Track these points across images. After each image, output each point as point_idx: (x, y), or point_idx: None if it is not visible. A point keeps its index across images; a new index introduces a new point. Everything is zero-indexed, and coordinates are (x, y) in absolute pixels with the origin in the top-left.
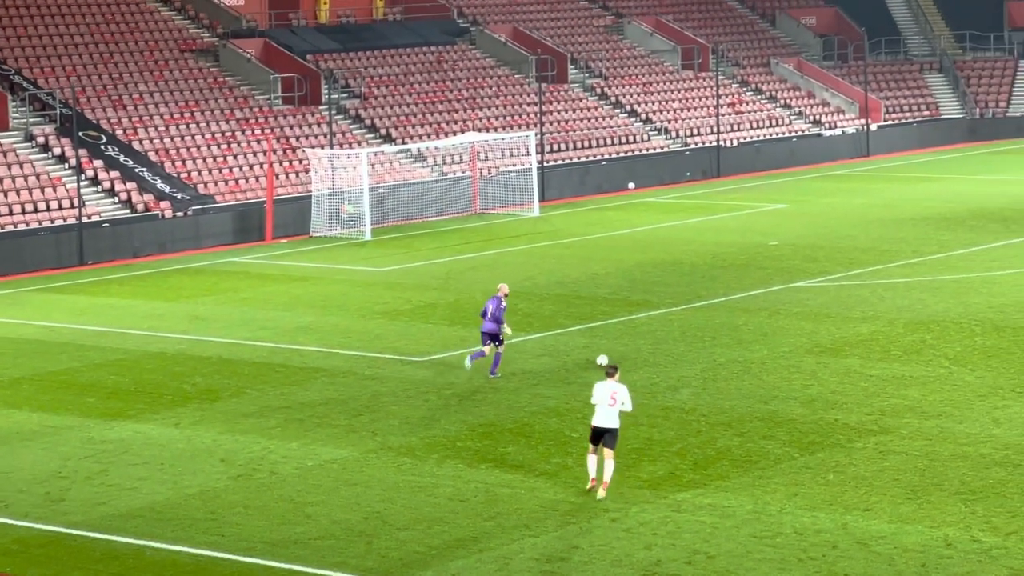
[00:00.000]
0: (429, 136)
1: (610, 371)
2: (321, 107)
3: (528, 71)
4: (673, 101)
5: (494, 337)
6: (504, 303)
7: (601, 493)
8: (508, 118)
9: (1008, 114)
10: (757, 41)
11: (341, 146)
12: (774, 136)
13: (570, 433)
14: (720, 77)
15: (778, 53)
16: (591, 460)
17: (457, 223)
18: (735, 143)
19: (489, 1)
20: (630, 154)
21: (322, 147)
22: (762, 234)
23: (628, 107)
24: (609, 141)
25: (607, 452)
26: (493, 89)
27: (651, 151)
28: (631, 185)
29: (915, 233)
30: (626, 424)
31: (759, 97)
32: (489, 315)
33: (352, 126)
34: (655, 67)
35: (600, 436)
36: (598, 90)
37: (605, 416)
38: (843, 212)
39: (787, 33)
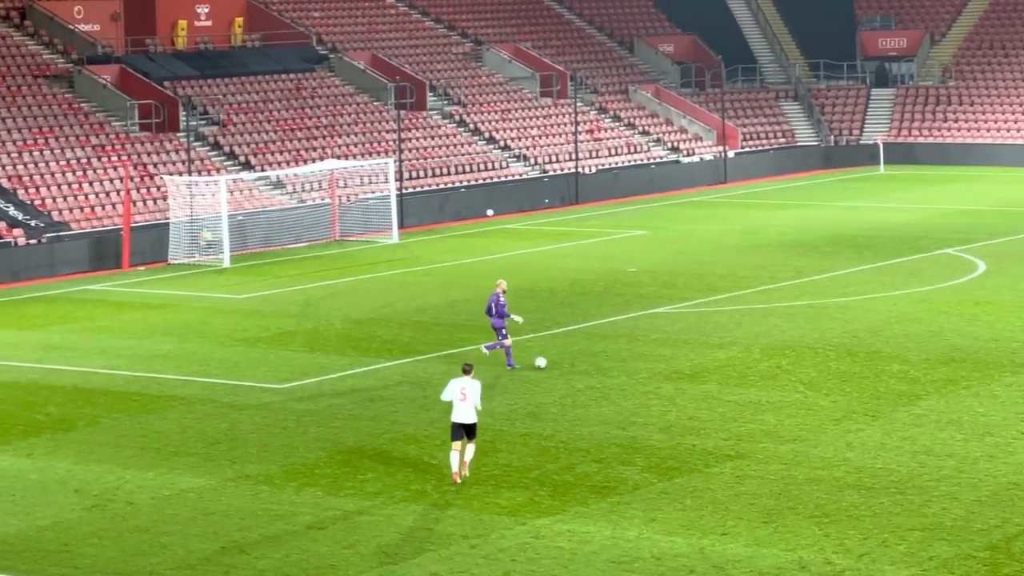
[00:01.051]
0: (288, 163)
1: (466, 368)
2: (179, 134)
3: (387, 98)
4: (532, 128)
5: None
6: (503, 298)
7: (465, 472)
8: (367, 145)
9: (861, 141)
10: (615, 68)
11: (200, 173)
12: (632, 163)
13: (429, 460)
14: (579, 104)
15: (636, 80)
16: (454, 456)
17: (316, 250)
18: (594, 170)
19: (348, 28)
20: (489, 181)
21: (180, 174)
22: (621, 261)
23: (487, 134)
24: (468, 168)
25: (468, 440)
26: (352, 116)
27: (510, 178)
28: (490, 212)
29: (771, 259)
30: (485, 451)
31: (617, 124)
32: (494, 312)
33: (211, 153)
34: (514, 94)
35: (462, 431)
36: (457, 117)
37: (463, 412)
38: (701, 239)
39: (645, 60)
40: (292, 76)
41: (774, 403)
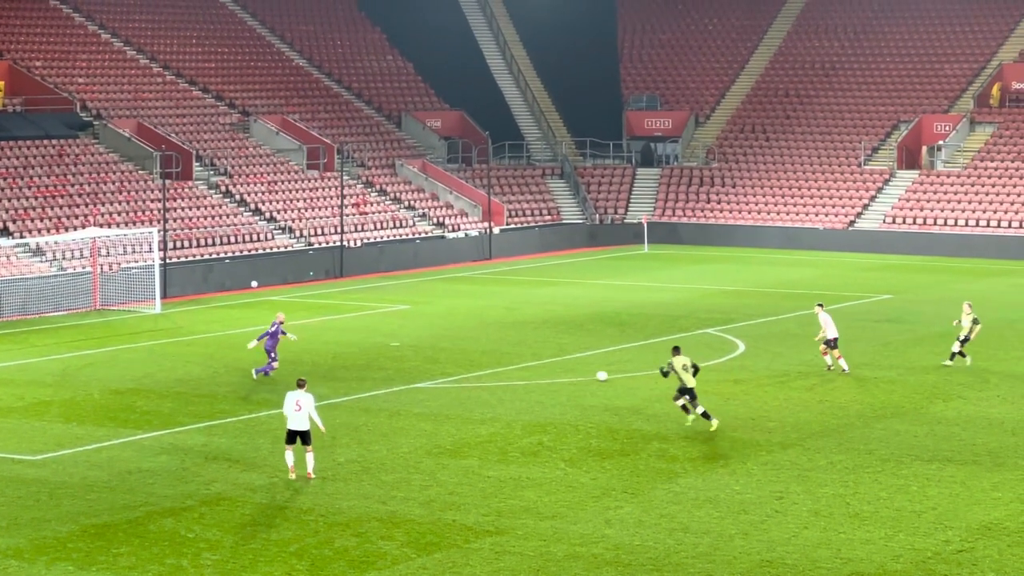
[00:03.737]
0: (49, 230)
1: (300, 382)
2: None
3: (152, 167)
4: (298, 200)
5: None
6: (281, 327)
7: (310, 476)
8: (131, 214)
9: (626, 220)
10: (383, 142)
11: None
12: (398, 237)
13: (186, 533)
14: (345, 177)
15: (403, 155)
16: (288, 455)
17: (76, 319)
18: (359, 243)
19: (113, 95)
20: (254, 252)
21: None
22: (384, 335)
23: (253, 205)
24: (233, 239)
25: (306, 448)
26: (116, 184)
27: (275, 249)
28: (254, 283)
29: (535, 336)
30: (243, 523)
31: (384, 198)
32: (271, 334)
33: None
34: (280, 166)
35: (295, 437)
36: (223, 187)
37: (297, 420)
38: (465, 314)
39: (412, 135)
40: (55, 142)
41: (535, 479)
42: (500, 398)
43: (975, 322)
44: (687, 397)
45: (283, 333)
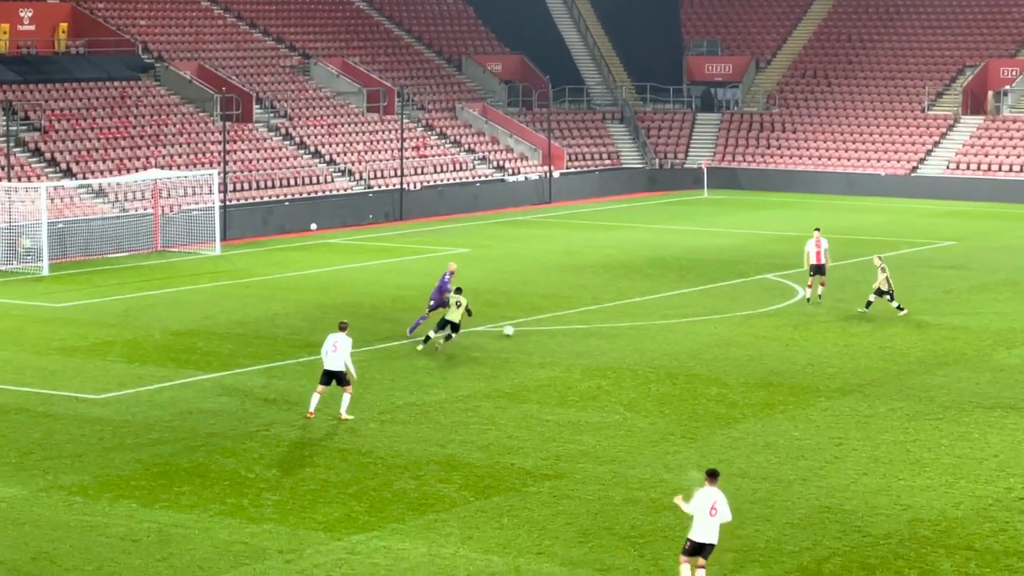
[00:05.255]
0: (111, 172)
1: (342, 325)
2: None
3: (213, 109)
4: (358, 143)
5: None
6: (449, 279)
7: (345, 416)
8: (191, 156)
9: (686, 165)
10: (443, 86)
11: (20, 179)
12: (458, 181)
13: (246, 473)
14: (405, 120)
15: (463, 98)
16: (315, 397)
17: (138, 260)
18: (419, 187)
19: (174, 38)
20: (314, 195)
21: None
22: None
23: (312, 148)
24: (293, 182)
25: (344, 389)
26: (177, 127)
27: (335, 192)
28: (313, 226)
29: (594, 280)
30: (301, 465)
31: (444, 141)
32: (436, 288)
33: (31, 159)
34: (340, 109)
35: (330, 378)
36: (283, 130)
37: (333, 361)
38: (525, 258)
39: (473, 78)
40: (117, 84)
41: (593, 424)
42: (559, 342)
43: (883, 271)
44: (448, 329)
45: (447, 289)
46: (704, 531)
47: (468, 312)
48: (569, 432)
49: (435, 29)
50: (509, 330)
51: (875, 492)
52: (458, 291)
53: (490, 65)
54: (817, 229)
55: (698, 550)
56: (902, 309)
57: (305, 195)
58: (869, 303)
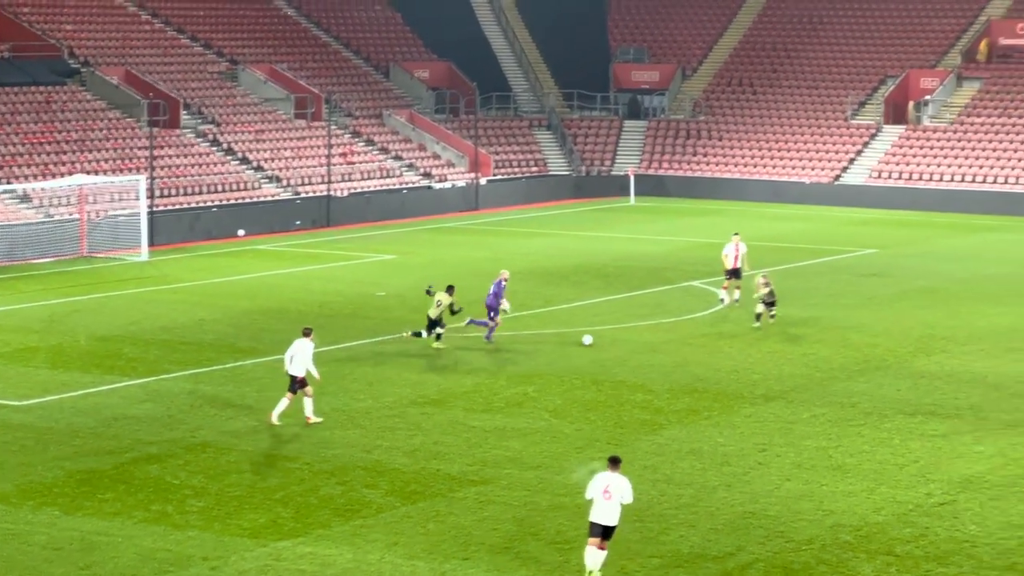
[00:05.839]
0: (36, 177)
1: (305, 331)
2: None
3: (139, 115)
4: (285, 150)
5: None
6: (504, 285)
7: (309, 421)
8: (118, 162)
9: (612, 173)
10: (370, 92)
11: None
12: (385, 187)
13: (171, 480)
14: (333, 127)
15: (391, 105)
16: (282, 402)
17: (63, 266)
18: (346, 193)
19: (101, 43)
20: (241, 201)
21: None
22: (370, 284)
23: (240, 154)
24: (220, 188)
25: (304, 393)
26: (103, 132)
27: (262, 199)
28: (241, 232)
29: (520, 287)
30: (227, 471)
31: (371, 148)
32: (491, 294)
33: None
34: (268, 115)
35: (294, 383)
36: (210, 136)
37: (296, 368)
38: (451, 264)
39: (400, 85)
40: (42, 89)
41: (519, 430)
42: (485, 348)
43: (766, 286)
44: (437, 329)
45: (500, 296)
46: (602, 513)
47: (452, 310)
48: (495, 438)
49: (363, 36)
50: (588, 339)
51: (798, 498)
52: (449, 289)
53: (417, 72)
54: (736, 234)
55: (597, 532)
56: (771, 318)
57: (232, 201)
58: (758, 315)
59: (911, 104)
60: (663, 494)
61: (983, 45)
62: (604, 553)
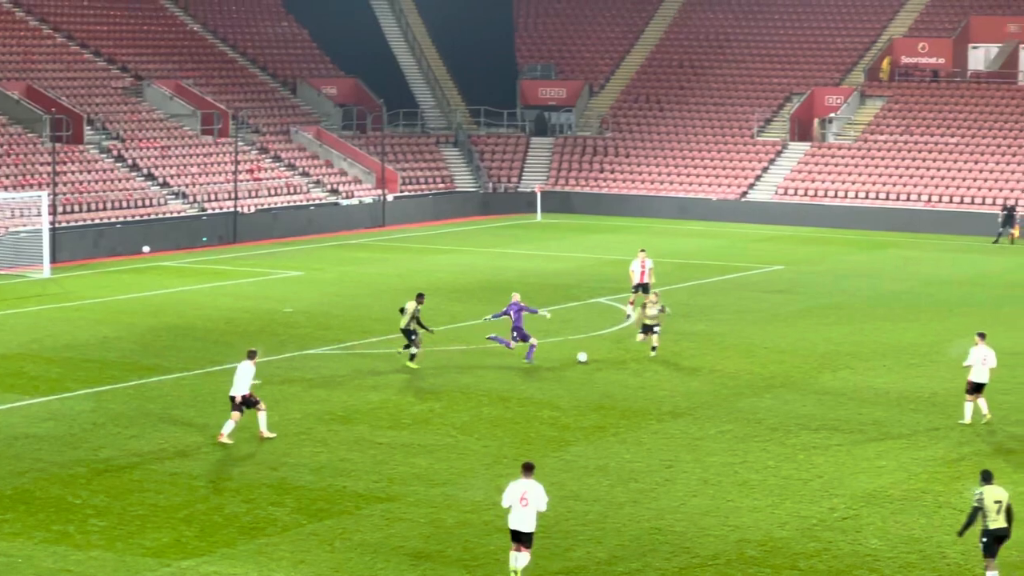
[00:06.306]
0: None
1: (250, 353)
2: None
3: (42, 130)
4: (192, 166)
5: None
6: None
7: (263, 435)
8: (19, 177)
9: (520, 189)
10: (277, 109)
11: None
12: (292, 204)
13: (73, 500)
14: (240, 143)
15: (298, 121)
16: (230, 424)
17: None
18: (253, 210)
19: (2, 57)
20: (146, 218)
21: None
22: (277, 301)
23: (145, 170)
24: (125, 204)
25: (257, 409)
26: (4, 147)
27: (168, 215)
28: (146, 249)
29: (428, 304)
30: (130, 490)
31: (278, 165)
32: (514, 315)
33: None
34: (174, 131)
35: (244, 404)
36: (115, 152)
37: (239, 387)
38: (358, 281)
39: (307, 101)
40: None
41: (426, 446)
42: (393, 365)
43: (662, 310)
44: (411, 349)
45: (523, 311)
46: (519, 520)
47: (417, 320)
48: (402, 455)
49: (270, 52)
50: (583, 357)
51: (704, 513)
52: (418, 297)
53: (325, 88)
54: (642, 250)
55: (517, 537)
56: (652, 350)
57: (138, 218)
58: (643, 329)
59: (816, 121)
60: (570, 510)
61: (886, 63)
62: (527, 555)
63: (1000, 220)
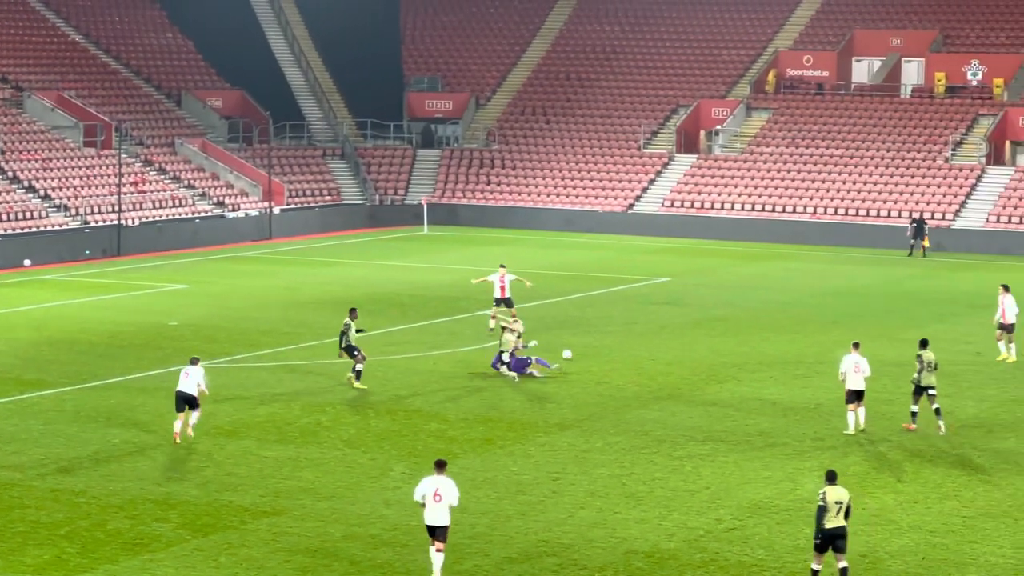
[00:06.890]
0: None
1: (193, 360)
2: None
3: None
4: (74, 178)
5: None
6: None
7: (189, 433)
8: None
9: (406, 202)
10: (162, 121)
11: None
12: (177, 216)
13: None
14: (123, 156)
15: (183, 133)
16: (177, 423)
17: None
18: (137, 222)
19: None
20: (27, 231)
21: None
22: (162, 314)
23: (26, 182)
24: (5, 217)
25: (193, 411)
26: None
27: (50, 228)
28: (27, 262)
29: (315, 316)
30: (10, 507)
31: (163, 177)
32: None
33: None
34: (56, 143)
35: (183, 404)
36: None
37: (185, 385)
38: (245, 294)
39: (192, 114)
40: None
41: (313, 460)
42: (279, 378)
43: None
44: (357, 366)
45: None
46: (434, 515)
47: (345, 335)
48: (288, 468)
49: (154, 63)
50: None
51: (591, 525)
52: (351, 313)
53: (210, 100)
54: (502, 266)
55: (433, 532)
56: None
57: (18, 231)
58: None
59: (702, 133)
60: (457, 523)
61: (771, 76)
62: (441, 555)
63: (910, 232)
